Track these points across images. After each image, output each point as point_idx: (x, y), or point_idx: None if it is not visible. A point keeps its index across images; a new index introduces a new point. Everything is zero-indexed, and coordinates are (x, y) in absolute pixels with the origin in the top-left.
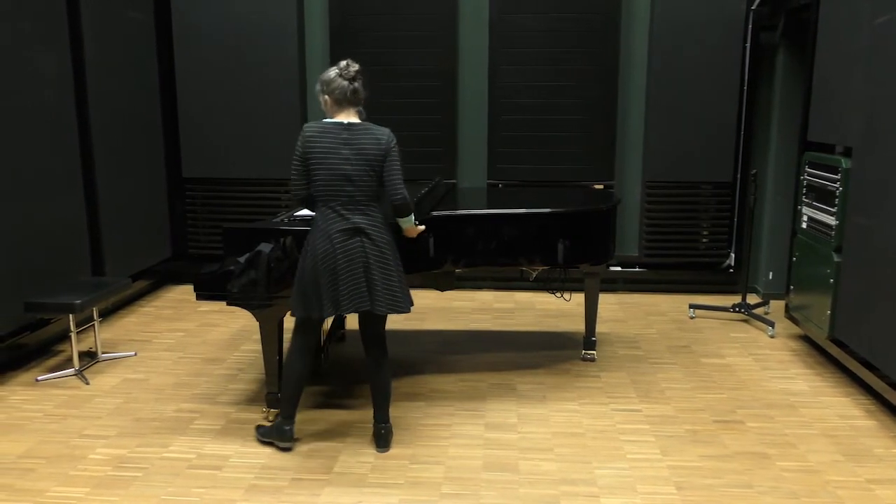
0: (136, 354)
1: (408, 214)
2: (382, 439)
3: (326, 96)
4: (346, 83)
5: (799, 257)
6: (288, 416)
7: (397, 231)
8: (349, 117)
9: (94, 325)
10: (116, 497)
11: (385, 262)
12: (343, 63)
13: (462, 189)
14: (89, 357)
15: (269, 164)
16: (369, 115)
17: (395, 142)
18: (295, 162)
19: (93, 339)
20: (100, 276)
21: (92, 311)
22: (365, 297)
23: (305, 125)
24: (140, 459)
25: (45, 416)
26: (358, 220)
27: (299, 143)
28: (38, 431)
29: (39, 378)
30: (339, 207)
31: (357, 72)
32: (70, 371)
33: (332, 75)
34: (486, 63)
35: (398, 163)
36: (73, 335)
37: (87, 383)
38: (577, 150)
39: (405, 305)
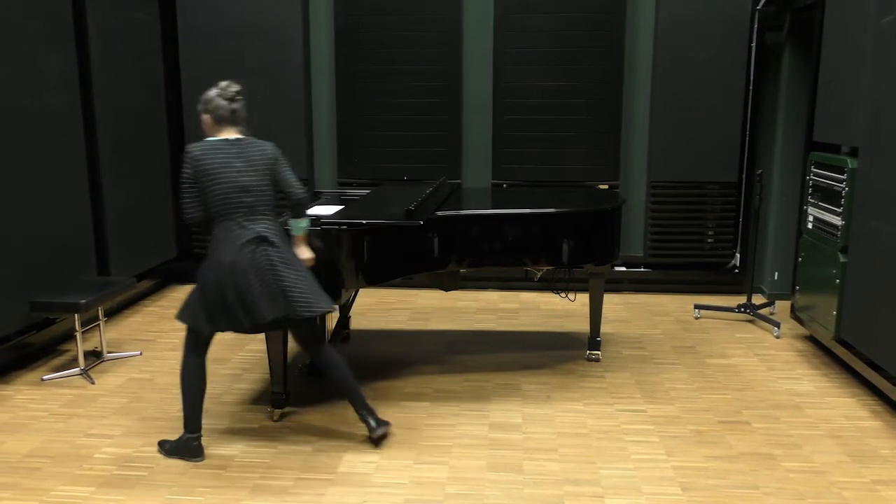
0: (141, 354)
1: (305, 215)
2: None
3: (206, 115)
4: (224, 103)
5: (805, 257)
6: (195, 430)
7: (399, 232)
8: (231, 135)
9: (99, 324)
10: (122, 496)
11: (293, 265)
12: (223, 83)
13: (467, 189)
14: (94, 356)
15: None
16: (375, 114)
17: (280, 151)
18: (185, 185)
19: (98, 338)
20: (105, 276)
21: (97, 310)
22: (281, 302)
23: (189, 146)
24: (145, 459)
25: (51, 416)
26: (260, 229)
27: (187, 165)
28: (43, 431)
29: (45, 377)
30: (240, 219)
31: (236, 92)
32: (75, 370)
33: (212, 95)
34: (491, 63)
35: (289, 167)
36: (78, 335)
37: (93, 382)
38: (581, 151)
39: (325, 304)
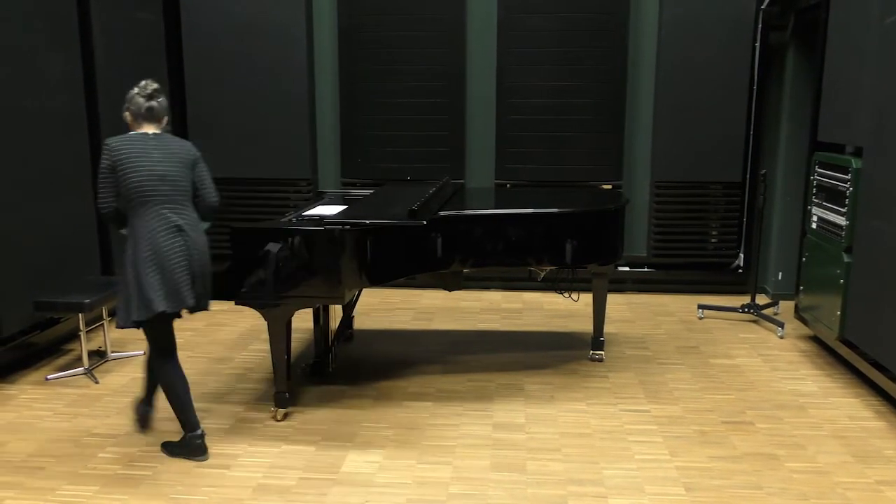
0: (144, 353)
1: (211, 219)
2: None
3: (127, 112)
4: (142, 100)
5: (809, 258)
6: (194, 427)
7: (402, 232)
8: (150, 130)
9: (103, 324)
10: (125, 496)
11: (205, 261)
12: (143, 82)
13: (470, 189)
14: (98, 356)
15: (278, 165)
16: (379, 114)
17: (200, 155)
18: (102, 174)
19: (102, 337)
20: (109, 276)
21: (101, 310)
22: (190, 294)
23: (108, 139)
24: (149, 458)
25: (55, 415)
26: (176, 218)
27: (105, 156)
28: (47, 430)
29: (49, 377)
30: (157, 207)
31: (155, 90)
32: (79, 370)
33: (133, 93)
34: (495, 63)
35: (209, 172)
36: (82, 334)
37: (97, 382)
38: (585, 150)
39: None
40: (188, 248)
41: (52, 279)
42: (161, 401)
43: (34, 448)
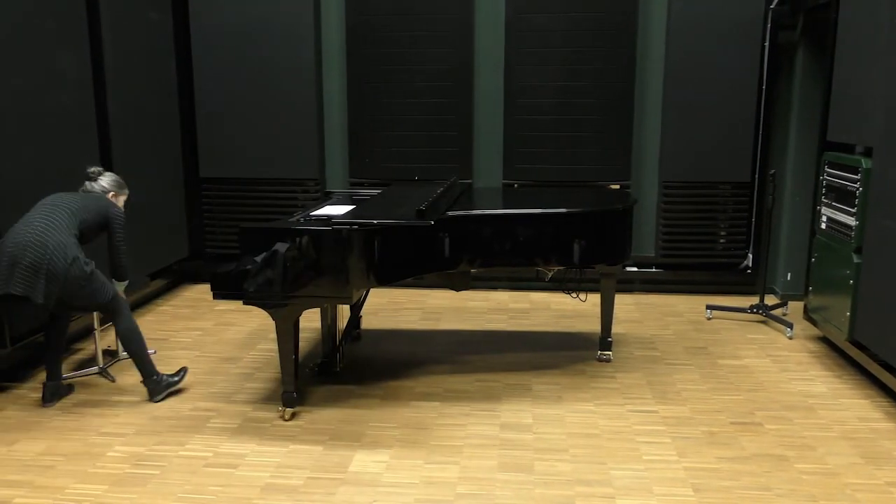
0: (154, 352)
1: None
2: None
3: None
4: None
5: (818, 258)
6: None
7: (410, 232)
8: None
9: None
10: (134, 494)
11: None
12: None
13: (478, 189)
14: (109, 355)
15: (286, 164)
16: (386, 114)
17: (118, 213)
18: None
19: (112, 337)
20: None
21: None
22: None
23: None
24: (157, 457)
25: (64, 414)
26: None
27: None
28: (56, 429)
29: (65, 375)
30: None
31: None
32: (94, 369)
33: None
34: (502, 62)
35: (121, 235)
36: (97, 332)
37: (113, 380)
38: (593, 150)
39: None
40: None
41: None
42: (174, 399)
43: (43, 447)
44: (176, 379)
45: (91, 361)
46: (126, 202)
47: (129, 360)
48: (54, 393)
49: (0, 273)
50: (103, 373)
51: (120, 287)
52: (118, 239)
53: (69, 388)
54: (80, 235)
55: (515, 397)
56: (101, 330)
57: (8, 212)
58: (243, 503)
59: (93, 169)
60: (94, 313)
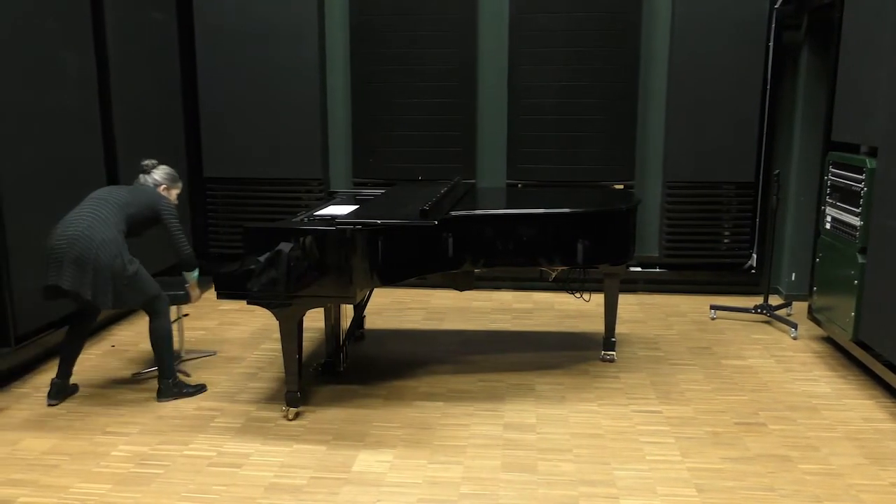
0: (215, 354)
1: None
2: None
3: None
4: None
5: (822, 258)
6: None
7: (413, 232)
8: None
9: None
10: (138, 493)
11: None
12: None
13: (481, 189)
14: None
15: (290, 164)
16: (390, 113)
17: (169, 204)
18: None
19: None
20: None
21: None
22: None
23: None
24: (161, 457)
25: (69, 413)
26: None
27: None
28: (62, 428)
29: (136, 373)
30: None
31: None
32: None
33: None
34: (506, 62)
35: (176, 225)
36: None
37: (188, 375)
38: (597, 150)
39: None
40: None
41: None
42: (192, 397)
43: (48, 446)
44: (189, 391)
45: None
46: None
47: (196, 357)
48: (60, 390)
49: (49, 265)
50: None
51: (191, 278)
52: (174, 229)
53: (74, 388)
54: (128, 230)
55: (519, 397)
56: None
57: (13, 212)
58: (247, 503)
59: (146, 162)
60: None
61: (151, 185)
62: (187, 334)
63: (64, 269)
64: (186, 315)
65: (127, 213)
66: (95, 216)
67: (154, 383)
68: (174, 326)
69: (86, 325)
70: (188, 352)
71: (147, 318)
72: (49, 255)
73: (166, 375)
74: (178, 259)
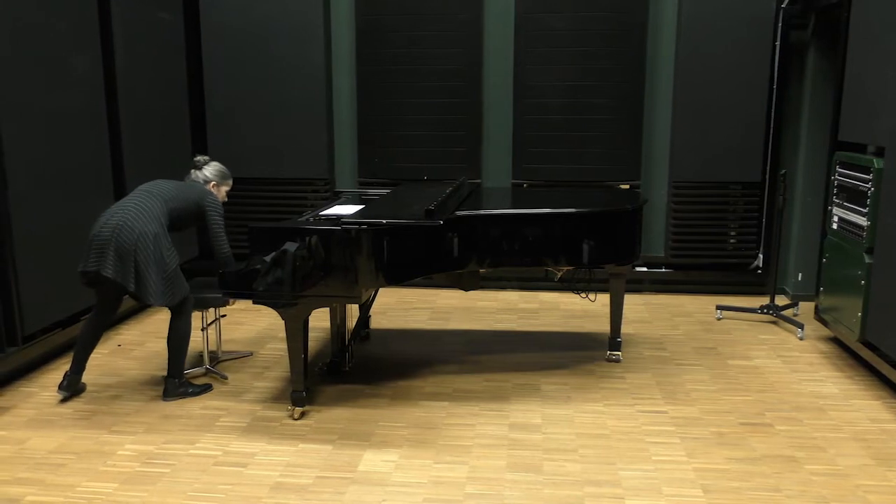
0: (252, 354)
1: None
2: None
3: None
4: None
5: (829, 258)
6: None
7: (419, 232)
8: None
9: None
10: (144, 493)
11: None
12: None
13: (487, 189)
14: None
15: (295, 164)
16: (396, 113)
17: (215, 201)
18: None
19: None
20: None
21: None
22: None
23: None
24: (167, 456)
25: (75, 412)
26: None
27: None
28: (68, 427)
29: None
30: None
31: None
32: (199, 368)
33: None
34: (512, 62)
35: (218, 225)
36: (205, 332)
37: (225, 378)
38: (603, 150)
39: None
40: None
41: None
42: (198, 396)
43: (55, 445)
44: (195, 391)
45: (199, 361)
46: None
47: (233, 358)
48: (71, 384)
49: (91, 251)
50: (212, 371)
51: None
52: (216, 227)
53: (83, 386)
54: (171, 224)
55: (524, 397)
56: (202, 329)
57: (20, 211)
58: (253, 502)
59: (199, 158)
60: (201, 317)
61: (202, 182)
62: (195, 333)
63: (107, 258)
64: (224, 316)
65: (170, 208)
66: (140, 208)
67: (161, 382)
68: (212, 328)
69: (104, 318)
70: (224, 352)
71: (155, 317)
72: (91, 242)
73: (174, 375)
74: (216, 258)
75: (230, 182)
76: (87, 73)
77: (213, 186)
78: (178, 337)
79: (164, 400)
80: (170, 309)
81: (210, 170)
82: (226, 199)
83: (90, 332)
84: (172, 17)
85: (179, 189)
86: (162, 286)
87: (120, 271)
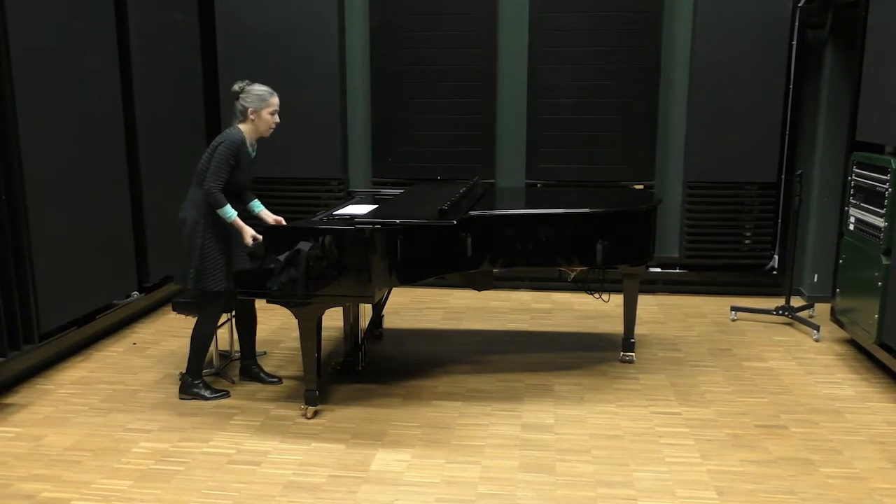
0: (265, 354)
1: (213, 206)
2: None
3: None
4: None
5: (846, 259)
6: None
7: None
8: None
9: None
10: (159, 490)
11: (187, 239)
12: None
13: (500, 189)
14: (224, 357)
15: (309, 164)
16: (409, 113)
17: (223, 141)
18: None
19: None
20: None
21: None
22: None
23: (236, 137)
24: (182, 454)
25: (91, 410)
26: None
27: (237, 148)
28: (83, 424)
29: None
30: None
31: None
32: (209, 370)
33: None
34: (526, 62)
35: (220, 158)
36: (216, 335)
37: (234, 382)
38: (617, 150)
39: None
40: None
41: (90, 277)
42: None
43: (70, 442)
44: (213, 395)
45: (208, 363)
46: (278, 112)
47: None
48: (244, 371)
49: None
50: (221, 373)
51: (225, 215)
52: (215, 163)
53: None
54: (228, 192)
55: (537, 398)
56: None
57: (36, 211)
58: (266, 500)
59: (235, 87)
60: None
61: (239, 113)
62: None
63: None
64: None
65: (200, 181)
66: (188, 198)
67: (175, 381)
68: (224, 328)
69: (242, 306)
70: (237, 352)
71: (170, 316)
72: None
73: (189, 373)
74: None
75: (273, 102)
76: (104, 74)
77: (252, 113)
78: (197, 336)
79: (179, 397)
80: (199, 301)
81: (246, 98)
82: (276, 122)
83: (240, 319)
84: (188, 17)
85: (205, 161)
86: (189, 267)
87: (181, 269)
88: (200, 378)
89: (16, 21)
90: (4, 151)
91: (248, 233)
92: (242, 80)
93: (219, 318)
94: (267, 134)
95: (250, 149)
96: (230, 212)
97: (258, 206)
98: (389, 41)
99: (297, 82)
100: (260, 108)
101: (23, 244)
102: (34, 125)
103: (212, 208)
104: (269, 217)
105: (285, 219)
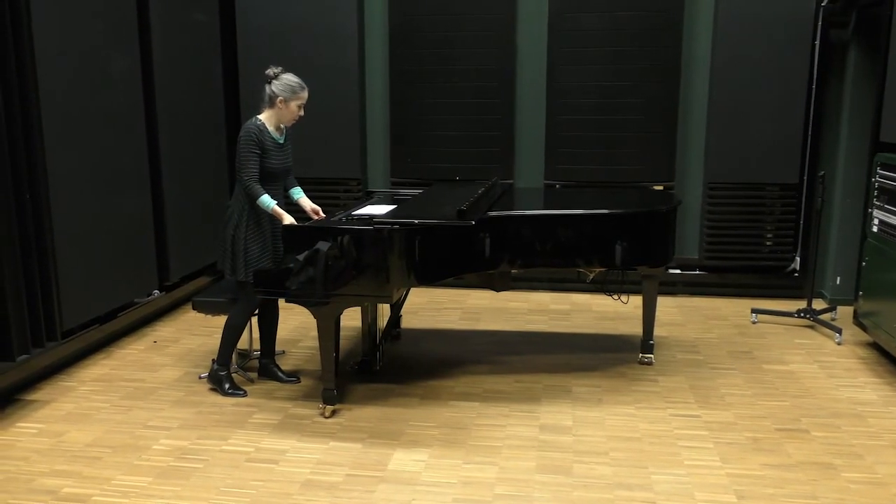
0: (283, 353)
1: (250, 197)
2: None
3: (280, 97)
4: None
5: (869, 262)
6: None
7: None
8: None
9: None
10: (178, 487)
11: (226, 231)
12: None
13: (519, 189)
14: (241, 356)
15: (328, 164)
16: (428, 114)
17: (241, 134)
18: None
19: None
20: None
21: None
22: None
23: (251, 126)
24: (200, 451)
25: (112, 407)
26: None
27: (255, 136)
28: (104, 421)
29: (202, 376)
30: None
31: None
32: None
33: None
34: (545, 63)
35: (242, 149)
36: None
37: (252, 381)
38: (636, 151)
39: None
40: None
41: (112, 275)
42: (218, 394)
43: (91, 438)
44: (229, 391)
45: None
46: (306, 104)
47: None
48: (263, 369)
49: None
50: (240, 371)
51: (264, 205)
52: (238, 157)
53: (277, 374)
54: (265, 180)
55: (555, 399)
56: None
57: (59, 210)
58: (283, 498)
59: (268, 71)
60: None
61: (267, 98)
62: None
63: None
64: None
65: (238, 176)
66: (236, 190)
67: (195, 379)
68: (252, 321)
69: (265, 305)
70: (256, 351)
71: (190, 315)
72: None
73: (220, 361)
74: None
75: (302, 96)
76: (126, 74)
77: (280, 102)
78: (229, 326)
79: (200, 376)
80: (237, 291)
81: (277, 85)
82: (301, 115)
83: (262, 318)
84: (209, 18)
85: (236, 157)
86: (227, 254)
87: (225, 264)
88: (227, 370)
89: (40, 22)
90: (29, 151)
91: (287, 220)
92: (276, 66)
93: (254, 310)
94: (289, 124)
95: (276, 134)
96: (268, 201)
97: (298, 193)
98: (408, 41)
99: (317, 82)
100: (289, 98)
101: (46, 242)
102: (57, 125)
103: (251, 201)
104: (308, 205)
105: (305, 218)
